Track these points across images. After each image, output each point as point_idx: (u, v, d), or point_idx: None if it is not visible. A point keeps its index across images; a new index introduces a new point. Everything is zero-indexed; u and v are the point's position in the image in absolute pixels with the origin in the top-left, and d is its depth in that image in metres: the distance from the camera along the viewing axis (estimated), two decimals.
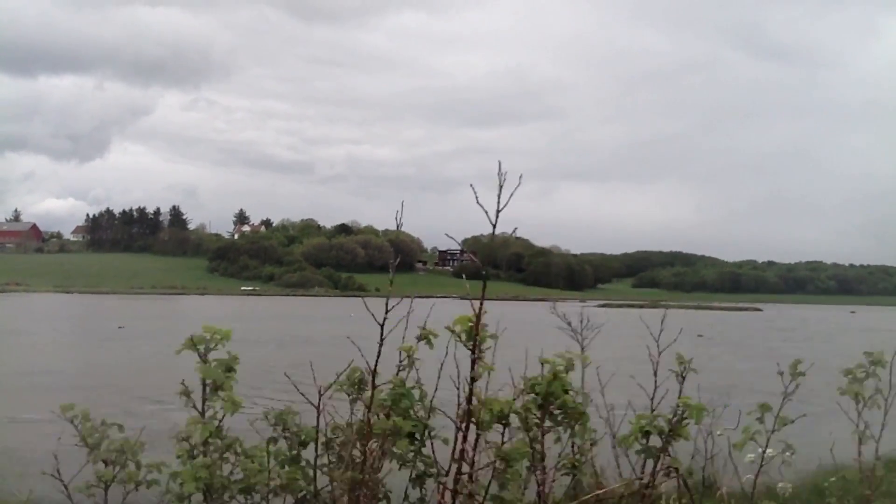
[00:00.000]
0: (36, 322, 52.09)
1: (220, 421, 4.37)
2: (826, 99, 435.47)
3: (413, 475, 4.73)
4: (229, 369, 4.46)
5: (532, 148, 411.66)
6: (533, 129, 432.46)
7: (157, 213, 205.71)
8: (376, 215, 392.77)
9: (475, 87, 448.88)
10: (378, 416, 4.47)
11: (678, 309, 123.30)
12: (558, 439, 4.66)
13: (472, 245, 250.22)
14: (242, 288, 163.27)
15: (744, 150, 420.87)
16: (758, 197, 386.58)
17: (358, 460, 4.27)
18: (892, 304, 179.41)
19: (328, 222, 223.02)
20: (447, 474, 4.26)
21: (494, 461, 4.17)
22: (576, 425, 4.40)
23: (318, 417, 4.76)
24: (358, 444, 4.37)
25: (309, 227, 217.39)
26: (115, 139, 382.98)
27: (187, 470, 4.00)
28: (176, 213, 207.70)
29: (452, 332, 4.55)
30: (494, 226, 3.99)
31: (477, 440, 4.26)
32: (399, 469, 4.85)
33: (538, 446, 4.22)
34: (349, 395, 5.21)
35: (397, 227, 4.56)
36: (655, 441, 4.94)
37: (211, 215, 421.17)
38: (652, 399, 5.89)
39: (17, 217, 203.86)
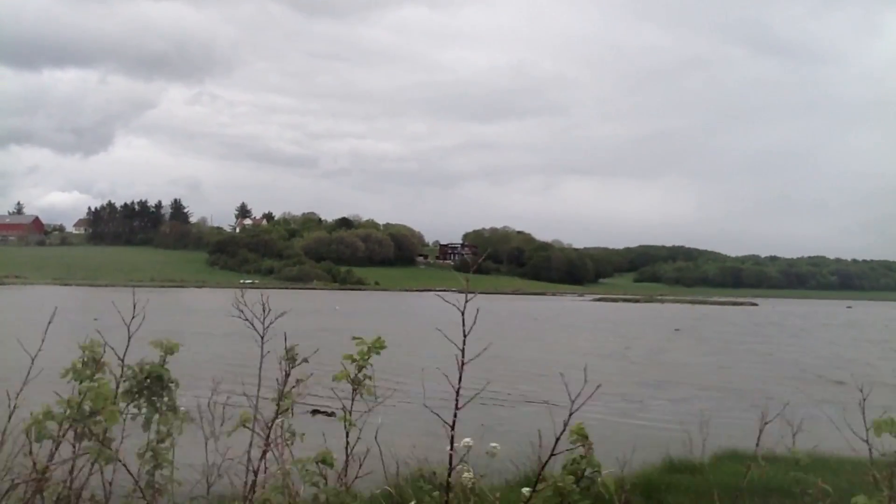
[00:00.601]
0: (14, 312, 52.49)
1: None
2: (828, 96, 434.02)
3: None
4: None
5: (534, 143, 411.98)
6: (535, 124, 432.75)
7: (159, 206, 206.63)
8: (379, 209, 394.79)
9: (477, 83, 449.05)
10: None
11: (674, 304, 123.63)
12: None
13: (474, 239, 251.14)
14: (241, 281, 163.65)
15: (746, 147, 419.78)
16: (760, 193, 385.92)
17: None
18: (894, 299, 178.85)
19: (332, 216, 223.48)
20: None
21: None
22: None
23: None
24: None
25: (310, 221, 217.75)
26: (119, 133, 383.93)
27: None
28: (177, 206, 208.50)
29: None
30: None
31: None
32: None
33: None
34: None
35: None
36: None
37: (215, 209, 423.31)
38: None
39: (19, 210, 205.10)
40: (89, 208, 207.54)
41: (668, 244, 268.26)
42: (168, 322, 46.66)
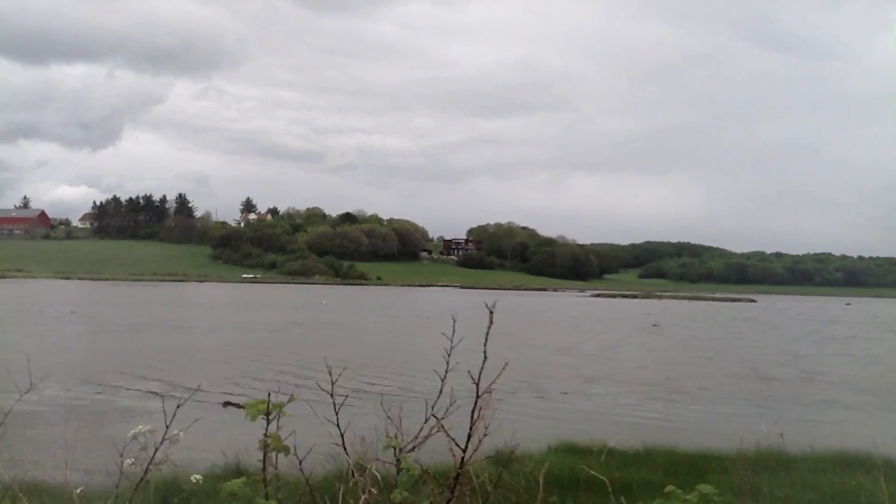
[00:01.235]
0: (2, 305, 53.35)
1: None
2: (836, 91, 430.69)
3: None
4: None
5: (541, 139, 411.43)
6: (542, 119, 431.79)
7: (164, 200, 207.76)
8: (386, 204, 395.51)
9: (484, 78, 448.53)
10: None
11: (671, 300, 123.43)
12: None
13: (478, 234, 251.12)
14: (243, 275, 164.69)
15: (753, 143, 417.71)
16: (767, 188, 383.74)
17: None
18: None
19: (338, 211, 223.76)
20: None
21: None
22: None
23: None
24: None
25: (314, 216, 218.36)
26: (126, 127, 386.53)
27: None
28: (182, 200, 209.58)
29: None
30: None
31: None
32: None
33: None
34: None
35: None
36: None
37: (223, 203, 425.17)
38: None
39: (25, 204, 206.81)
40: (94, 202, 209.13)
41: (674, 240, 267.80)
42: (143, 315, 47.39)
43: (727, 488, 8.20)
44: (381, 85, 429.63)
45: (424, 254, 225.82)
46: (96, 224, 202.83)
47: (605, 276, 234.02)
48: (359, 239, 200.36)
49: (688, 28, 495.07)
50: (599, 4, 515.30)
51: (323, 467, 8.61)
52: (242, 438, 8.34)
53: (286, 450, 2.90)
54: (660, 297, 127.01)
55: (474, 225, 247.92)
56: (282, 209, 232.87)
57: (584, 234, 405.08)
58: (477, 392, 2.82)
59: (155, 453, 2.87)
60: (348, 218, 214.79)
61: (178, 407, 2.81)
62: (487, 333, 2.86)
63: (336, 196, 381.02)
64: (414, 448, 3.12)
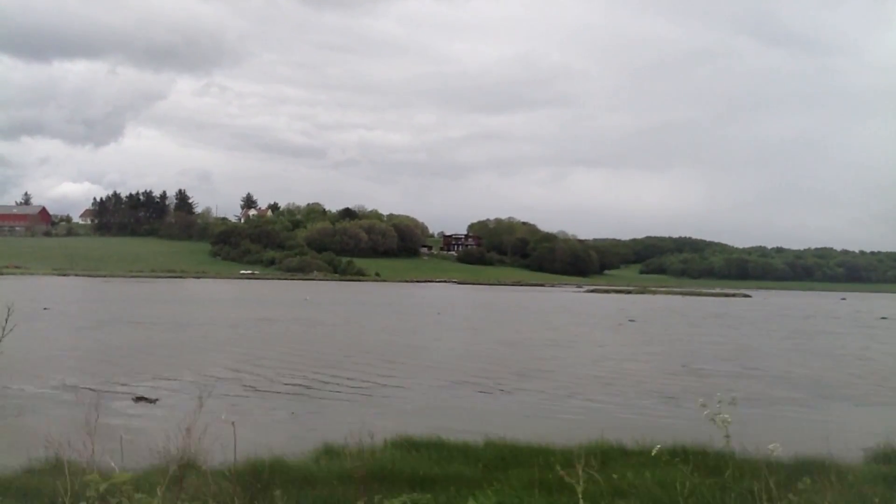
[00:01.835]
0: None
1: None
2: (838, 87, 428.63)
3: None
4: None
5: (543, 135, 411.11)
6: (543, 115, 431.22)
7: (164, 197, 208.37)
8: (389, 200, 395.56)
9: (485, 74, 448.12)
10: None
11: (666, 295, 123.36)
12: None
13: (478, 230, 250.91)
14: (241, 272, 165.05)
15: (755, 138, 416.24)
16: (769, 184, 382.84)
17: None
18: None
19: (341, 207, 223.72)
20: None
21: None
22: None
23: None
24: None
25: (314, 212, 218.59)
26: (129, 124, 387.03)
27: None
28: (182, 197, 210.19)
29: None
30: None
31: None
32: None
33: None
34: None
35: None
36: None
37: (225, 199, 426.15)
38: None
39: (26, 201, 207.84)
40: (94, 199, 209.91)
41: (676, 235, 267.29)
42: (118, 311, 47.68)
43: (528, 483, 8.33)
44: (382, 81, 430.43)
45: (424, 250, 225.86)
46: (97, 221, 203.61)
47: (606, 271, 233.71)
48: (358, 235, 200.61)
49: (689, 24, 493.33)
50: (600, 1, 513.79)
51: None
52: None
53: None
54: (654, 293, 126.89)
55: (474, 220, 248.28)
56: (284, 205, 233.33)
57: (586, 229, 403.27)
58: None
59: None
60: (348, 214, 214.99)
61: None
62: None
63: (338, 192, 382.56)
64: None
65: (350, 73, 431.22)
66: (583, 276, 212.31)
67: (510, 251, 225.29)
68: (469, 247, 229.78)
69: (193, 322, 40.52)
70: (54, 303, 53.56)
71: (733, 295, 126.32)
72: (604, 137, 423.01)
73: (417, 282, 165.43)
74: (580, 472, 4.42)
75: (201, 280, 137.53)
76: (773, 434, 13.08)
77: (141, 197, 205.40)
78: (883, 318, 66.34)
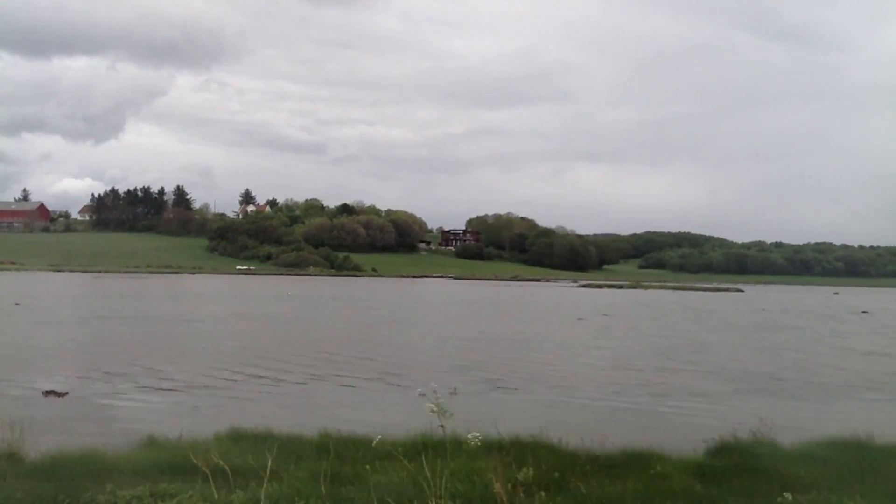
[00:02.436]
0: None
1: None
2: (838, 82, 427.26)
3: None
4: None
5: (544, 130, 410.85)
6: (544, 111, 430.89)
7: (162, 192, 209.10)
8: (390, 196, 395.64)
9: (485, 70, 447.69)
10: None
11: (659, 290, 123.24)
12: None
13: (477, 225, 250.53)
14: (237, 267, 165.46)
15: (756, 133, 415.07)
16: (769, 179, 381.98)
17: None
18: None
19: (341, 203, 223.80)
20: None
21: None
22: None
23: None
24: None
25: (312, 208, 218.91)
26: (129, 120, 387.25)
27: None
28: (180, 192, 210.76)
29: None
30: None
31: None
32: None
33: None
34: None
35: None
36: None
37: (226, 195, 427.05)
38: None
39: (25, 197, 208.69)
40: (92, 195, 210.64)
41: (676, 230, 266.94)
42: (89, 307, 47.97)
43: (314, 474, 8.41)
44: (383, 77, 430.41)
45: (422, 245, 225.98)
46: (95, 217, 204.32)
47: (605, 266, 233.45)
48: (356, 230, 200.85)
49: (688, 19, 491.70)
50: None
51: None
52: None
53: None
54: (646, 288, 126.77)
55: (472, 215, 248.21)
56: (286, 201, 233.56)
57: (587, 224, 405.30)
58: None
59: None
60: (346, 209, 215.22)
61: None
62: None
63: (339, 188, 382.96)
64: None
65: (350, 68, 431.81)
66: (581, 271, 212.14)
67: (508, 246, 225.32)
68: (467, 242, 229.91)
69: (159, 317, 40.74)
70: (32, 299, 53.98)
71: (726, 290, 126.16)
72: (604, 132, 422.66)
73: (414, 277, 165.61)
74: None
75: (196, 276, 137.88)
76: (625, 427, 13.24)
77: (139, 193, 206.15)
78: (864, 312, 66.26)
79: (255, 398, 17.56)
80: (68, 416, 14.98)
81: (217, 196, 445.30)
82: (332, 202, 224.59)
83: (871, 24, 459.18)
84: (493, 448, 8.77)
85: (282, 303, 58.67)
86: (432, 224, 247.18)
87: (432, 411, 5.57)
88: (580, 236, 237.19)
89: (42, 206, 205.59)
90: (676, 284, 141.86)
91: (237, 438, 10.07)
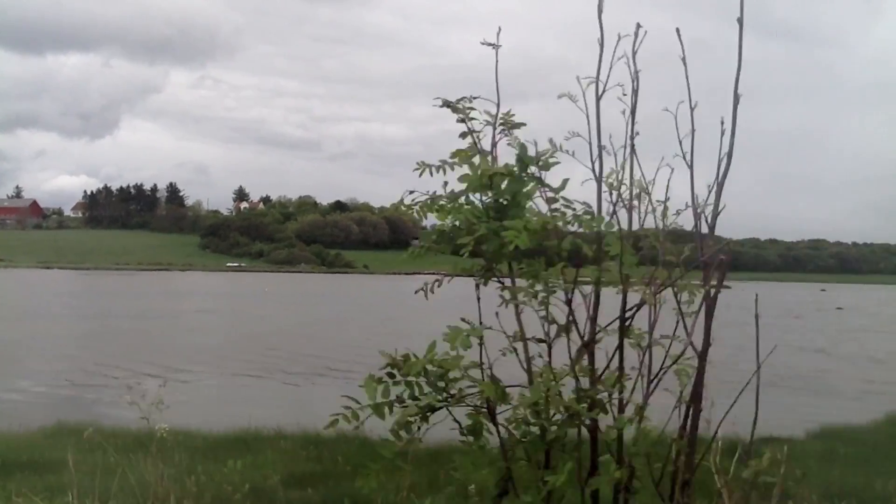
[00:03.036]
0: None
1: None
2: (832, 79, 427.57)
3: None
4: None
5: (539, 127, 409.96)
6: (539, 108, 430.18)
7: (155, 189, 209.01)
8: (387, 193, 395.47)
9: (481, 66, 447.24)
10: None
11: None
12: None
13: None
14: (228, 264, 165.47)
15: (750, 130, 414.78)
16: (763, 175, 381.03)
17: None
18: (888, 282, 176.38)
19: (337, 200, 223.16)
20: None
21: None
22: None
23: None
24: None
25: (305, 204, 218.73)
26: (124, 117, 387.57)
27: None
28: (172, 189, 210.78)
29: None
30: None
31: None
32: None
33: None
34: None
35: None
36: None
37: (222, 192, 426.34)
38: None
39: (18, 194, 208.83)
40: (85, 192, 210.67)
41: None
42: (50, 304, 48.03)
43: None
44: (379, 73, 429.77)
45: (416, 242, 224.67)
46: (88, 214, 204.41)
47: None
48: (349, 227, 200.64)
49: (683, 14, 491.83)
50: None
51: None
52: None
53: None
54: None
55: None
56: (280, 197, 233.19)
57: None
58: None
59: None
60: (339, 206, 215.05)
61: None
62: None
63: (334, 185, 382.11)
64: None
65: (346, 65, 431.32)
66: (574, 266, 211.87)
67: None
68: None
69: (106, 314, 40.75)
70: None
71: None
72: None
73: (405, 274, 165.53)
74: None
75: (184, 273, 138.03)
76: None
77: (132, 190, 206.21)
78: (839, 308, 66.06)
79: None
80: None
81: (213, 193, 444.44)
82: (327, 199, 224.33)
83: (861, 21, 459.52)
84: None
85: (260, 300, 58.62)
86: (428, 221, 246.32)
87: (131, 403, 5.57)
88: (572, 232, 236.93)
89: (35, 203, 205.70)
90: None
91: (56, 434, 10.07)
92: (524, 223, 3.23)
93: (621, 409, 3.46)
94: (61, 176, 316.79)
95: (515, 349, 3.65)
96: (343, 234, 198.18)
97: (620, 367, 3.56)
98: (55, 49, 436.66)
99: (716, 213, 3.57)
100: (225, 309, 46.78)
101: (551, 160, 3.68)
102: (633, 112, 3.79)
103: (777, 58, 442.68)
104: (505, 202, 3.50)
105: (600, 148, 3.84)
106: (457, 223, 3.55)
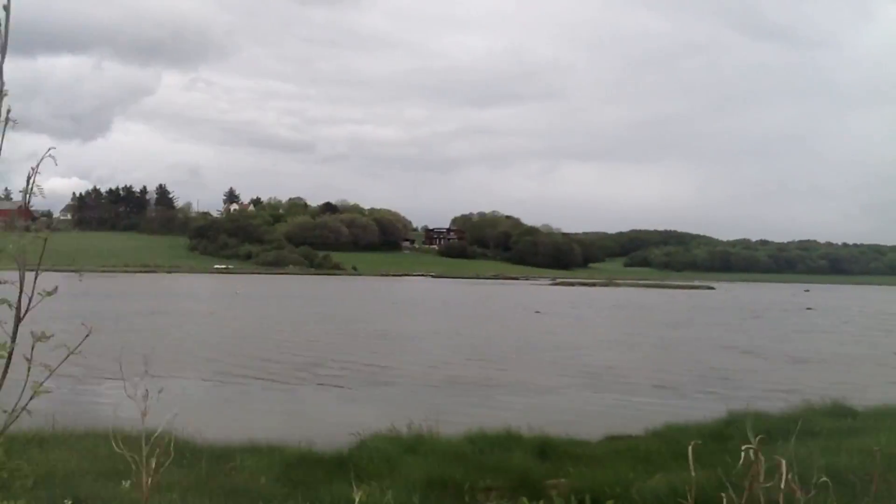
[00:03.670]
0: None
1: None
2: (825, 81, 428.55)
3: None
4: None
5: (533, 128, 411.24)
6: (533, 109, 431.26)
7: (144, 191, 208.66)
8: (380, 195, 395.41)
9: (475, 68, 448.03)
10: None
11: (632, 287, 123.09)
12: None
13: (461, 224, 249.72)
14: (215, 266, 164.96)
15: (744, 131, 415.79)
16: (756, 177, 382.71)
17: None
18: (880, 283, 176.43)
19: (329, 202, 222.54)
20: None
21: None
22: None
23: None
24: None
25: (295, 206, 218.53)
26: (117, 119, 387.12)
27: None
28: (162, 191, 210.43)
29: None
30: None
31: None
32: None
33: None
34: None
35: None
36: None
37: (215, 194, 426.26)
38: None
39: (6, 196, 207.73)
40: (74, 194, 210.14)
41: (663, 228, 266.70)
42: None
43: None
44: (372, 75, 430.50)
45: (406, 244, 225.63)
46: (77, 216, 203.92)
47: (591, 264, 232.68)
48: (339, 229, 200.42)
49: (677, 17, 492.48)
50: None
51: None
52: None
53: None
54: (617, 286, 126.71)
55: (460, 215, 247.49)
56: (272, 199, 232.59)
57: (576, 223, 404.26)
58: None
59: None
60: (329, 208, 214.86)
61: None
62: None
63: (327, 187, 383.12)
64: None
65: (339, 67, 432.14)
66: (566, 269, 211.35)
67: (493, 245, 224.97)
68: (451, 241, 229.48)
69: (52, 316, 40.37)
70: None
71: (697, 287, 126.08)
72: (594, 131, 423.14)
73: (395, 276, 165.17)
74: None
75: (169, 275, 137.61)
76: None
77: (121, 192, 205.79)
78: (809, 308, 65.95)
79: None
80: None
81: (205, 195, 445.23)
82: (320, 201, 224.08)
83: (855, 23, 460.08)
84: None
85: (229, 301, 58.34)
86: (420, 223, 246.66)
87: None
88: (566, 235, 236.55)
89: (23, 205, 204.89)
90: (650, 282, 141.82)
91: None
92: None
93: None
94: (53, 178, 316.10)
95: None
96: (333, 235, 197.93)
97: None
98: (46, 51, 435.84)
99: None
100: (178, 311, 46.41)
101: None
102: None
103: (770, 59, 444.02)
104: None
105: None
106: None
